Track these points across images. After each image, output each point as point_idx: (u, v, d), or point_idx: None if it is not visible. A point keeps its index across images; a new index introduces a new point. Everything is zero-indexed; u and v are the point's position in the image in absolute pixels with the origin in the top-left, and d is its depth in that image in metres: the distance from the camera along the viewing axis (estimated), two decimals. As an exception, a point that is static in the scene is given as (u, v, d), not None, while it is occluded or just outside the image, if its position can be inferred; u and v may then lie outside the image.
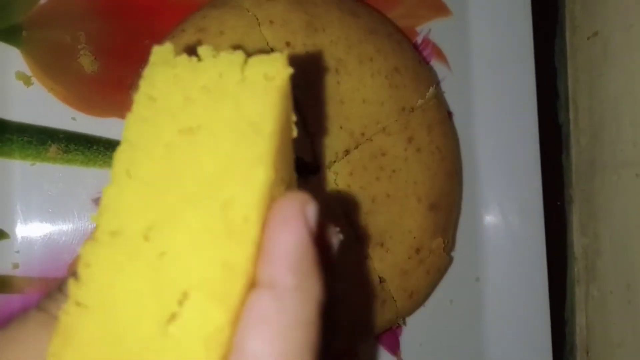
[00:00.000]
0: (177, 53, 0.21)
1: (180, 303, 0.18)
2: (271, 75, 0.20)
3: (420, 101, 0.43)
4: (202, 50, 0.20)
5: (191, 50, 0.21)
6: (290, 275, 0.18)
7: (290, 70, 0.20)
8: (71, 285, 0.18)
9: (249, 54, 0.21)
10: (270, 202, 0.20)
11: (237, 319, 0.18)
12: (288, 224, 0.19)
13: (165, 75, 0.20)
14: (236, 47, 0.21)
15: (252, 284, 0.19)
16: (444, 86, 0.50)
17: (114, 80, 0.40)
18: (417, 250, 0.42)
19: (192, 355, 0.17)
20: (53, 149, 0.38)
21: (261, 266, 0.19)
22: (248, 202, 0.18)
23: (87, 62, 0.39)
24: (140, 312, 0.18)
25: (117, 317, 0.18)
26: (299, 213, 0.19)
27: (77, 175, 0.39)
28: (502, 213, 0.50)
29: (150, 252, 0.18)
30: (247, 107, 0.20)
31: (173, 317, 0.17)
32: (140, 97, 0.20)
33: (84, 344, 0.17)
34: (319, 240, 0.20)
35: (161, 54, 0.21)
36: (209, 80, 0.20)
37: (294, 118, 0.22)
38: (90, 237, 0.18)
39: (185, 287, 0.18)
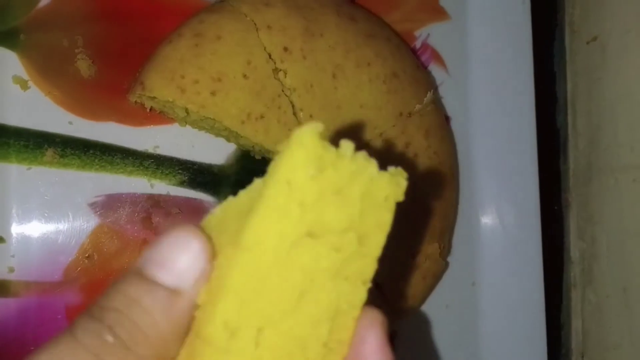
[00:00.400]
0: (323, 137, 0.20)
1: None
2: (390, 197, 0.21)
3: (418, 106, 0.43)
4: (344, 144, 0.20)
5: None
6: None
7: (403, 197, 0.21)
8: None
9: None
10: None
11: None
12: (379, 350, 0.21)
13: (308, 162, 0.19)
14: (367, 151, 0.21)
15: None
16: (443, 90, 0.50)
17: (111, 85, 0.40)
18: (413, 256, 0.42)
19: None
20: (49, 153, 0.38)
21: None
22: (345, 327, 0.21)
23: (84, 66, 0.39)
24: None
25: None
26: (384, 335, 0.21)
27: (74, 179, 0.39)
28: (499, 217, 0.50)
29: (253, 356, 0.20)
30: (365, 224, 0.21)
31: None
32: (279, 182, 0.19)
33: None
34: None
35: (309, 135, 0.20)
36: (342, 183, 0.20)
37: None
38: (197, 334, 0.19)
39: None
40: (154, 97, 0.37)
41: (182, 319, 0.19)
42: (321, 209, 0.20)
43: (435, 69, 0.50)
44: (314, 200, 0.20)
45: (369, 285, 0.21)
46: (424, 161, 0.43)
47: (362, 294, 0.21)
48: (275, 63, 0.38)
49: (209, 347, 0.19)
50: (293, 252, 0.20)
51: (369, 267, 0.21)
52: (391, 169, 0.21)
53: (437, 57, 0.50)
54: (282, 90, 0.38)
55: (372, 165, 0.21)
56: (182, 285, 0.19)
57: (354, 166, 0.20)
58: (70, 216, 0.38)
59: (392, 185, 0.21)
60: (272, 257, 0.19)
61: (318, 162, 0.19)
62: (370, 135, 0.41)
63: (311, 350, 0.20)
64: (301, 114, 0.39)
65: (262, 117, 0.38)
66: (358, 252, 0.21)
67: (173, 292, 0.19)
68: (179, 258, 0.19)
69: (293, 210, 0.19)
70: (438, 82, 0.49)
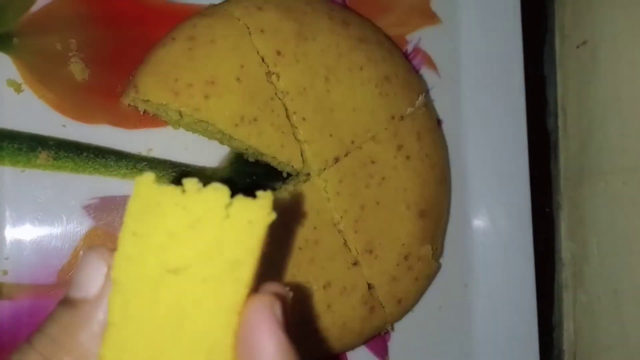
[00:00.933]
0: (160, 183, 0.21)
1: None
2: (255, 221, 0.21)
3: (409, 109, 0.44)
4: (187, 182, 0.21)
5: (176, 181, 0.22)
6: None
7: (273, 217, 0.21)
8: None
9: (234, 190, 0.21)
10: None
11: None
12: (263, 329, 0.21)
13: (149, 210, 0.21)
14: (222, 180, 0.22)
15: None
16: (434, 94, 0.50)
17: (104, 88, 0.40)
18: (406, 257, 0.43)
19: None
20: (43, 155, 0.38)
21: None
22: (225, 349, 0.21)
23: (77, 69, 0.39)
24: None
25: None
26: (270, 313, 0.21)
27: (67, 181, 0.39)
28: (491, 219, 0.51)
29: None
30: (230, 250, 0.21)
31: None
32: (125, 234, 0.21)
33: None
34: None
35: (144, 184, 0.21)
36: (193, 217, 0.21)
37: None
38: None
39: None
40: (148, 100, 0.37)
41: (93, 326, 0.22)
42: (177, 246, 0.21)
43: (426, 73, 0.50)
44: (166, 240, 0.21)
45: (237, 311, 0.21)
46: (416, 164, 0.44)
47: (234, 324, 0.21)
48: (268, 66, 0.39)
49: None
50: (159, 290, 0.21)
51: (239, 293, 0.21)
52: (258, 192, 0.22)
53: (428, 61, 0.50)
54: (275, 94, 0.39)
55: (224, 194, 0.21)
56: (87, 295, 0.22)
57: (204, 199, 0.21)
58: (64, 219, 0.39)
59: (255, 209, 0.21)
60: (139, 297, 0.21)
61: (158, 208, 0.21)
62: (363, 138, 0.42)
63: None
64: (294, 117, 0.39)
65: (255, 120, 0.38)
66: (230, 278, 0.21)
67: (81, 302, 0.22)
68: (81, 273, 0.22)
69: (146, 254, 0.21)
70: (430, 85, 0.50)
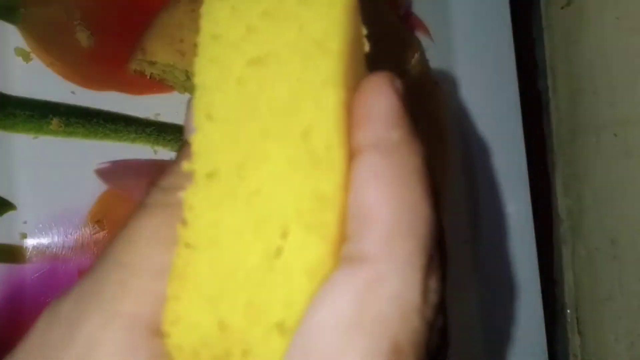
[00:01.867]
0: None
1: (283, 236, 0.18)
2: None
3: (407, 66, 0.45)
4: None
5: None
6: (394, 130, 0.19)
7: None
8: (179, 229, 0.18)
9: None
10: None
11: (336, 250, 0.18)
12: (381, 91, 0.19)
13: (223, 8, 0.19)
14: None
15: (344, 213, 0.18)
16: (428, 57, 0.51)
17: (110, 55, 0.41)
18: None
19: (296, 287, 0.18)
20: (55, 122, 0.39)
21: (360, 131, 0.18)
22: (327, 129, 0.18)
23: (83, 37, 0.40)
24: (246, 248, 0.18)
25: (225, 254, 0.18)
26: (389, 82, 0.19)
27: (79, 147, 0.40)
28: (489, 179, 0.52)
29: (245, 190, 0.18)
30: (312, 26, 0.19)
31: (277, 251, 0.18)
32: (204, 38, 0.19)
33: (198, 282, 0.18)
34: None
35: None
36: (268, 4, 0.19)
37: (364, 31, 0.21)
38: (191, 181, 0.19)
39: (284, 221, 0.18)
40: (155, 63, 0.38)
41: None
42: (256, 36, 0.19)
43: (419, 38, 0.51)
44: (245, 34, 0.19)
45: (339, 78, 0.18)
46: (417, 119, 0.45)
47: (332, 99, 0.18)
48: (270, 25, 0.40)
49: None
50: (244, 85, 0.19)
51: (333, 63, 0.18)
52: None
53: (420, 26, 0.52)
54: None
55: None
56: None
57: None
58: (78, 183, 0.39)
59: None
60: (224, 97, 0.19)
61: (231, 2, 0.19)
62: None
63: (295, 167, 0.18)
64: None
65: (260, 77, 0.39)
66: (319, 52, 0.19)
67: None
68: (191, 118, 0.20)
69: (227, 52, 0.19)
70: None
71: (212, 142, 0.19)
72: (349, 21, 0.19)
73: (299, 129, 0.18)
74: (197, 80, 0.19)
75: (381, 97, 0.19)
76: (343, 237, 0.18)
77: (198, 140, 0.19)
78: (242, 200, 0.18)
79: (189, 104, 0.21)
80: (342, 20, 0.19)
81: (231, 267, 0.18)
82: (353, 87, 0.20)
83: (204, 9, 0.20)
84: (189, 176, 0.19)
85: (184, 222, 0.18)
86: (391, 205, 0.17)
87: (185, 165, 0.19)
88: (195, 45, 0.36)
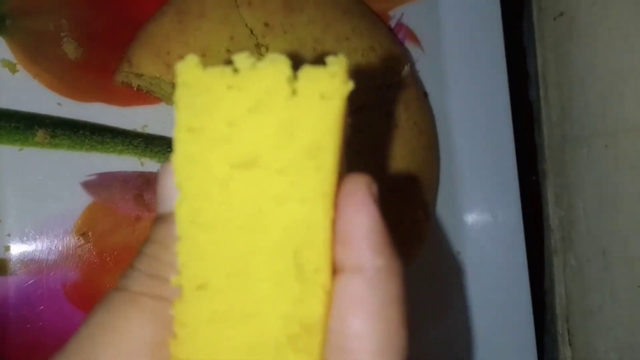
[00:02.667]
0: (205, 65, 0.18)
1: (275, 357, 0.18)
2: (328, 94, 0.18)
3: (396, 79, 0.45)
4: (238, 59, 0.18)
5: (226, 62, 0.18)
6: (377, 256, 0.19)
7: (350, 86, 0.18)
8: (171, 345, 0.18)
9: (295, 61, 0.18)
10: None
11: None
12: (362, 206, 0.19)
13: (200, 99, 0.18)
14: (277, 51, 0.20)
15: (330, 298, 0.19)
16: (418, 68, 0.51)
17: (97, 66, 0.41)
18: (399, 223, 0.44)
19: None
20: (40, 134, 0.39)
21: (344, 251, 0.19)
22: (316, 252, 0.18)
23: (70, 48, 0.40)
24: None
25: None
26: (368, 193, 0.19)
27: (65, 159, 0.40)
28: (480, 189, 0.52)
29: (237, 308, 0.18)
30: (303, 133, 0.18)
31: None
32: (180, 131, 0.18)
33: None
34: None
35: (188, 70, 0.18)
36: (253, 99, 0.18)
37: (348, 121, 0.20)
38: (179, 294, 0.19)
39: (277, 345, 0.18)
40: (141, 75, 0.38)
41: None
42: (240, 136, 0.18)
43: (410, 48, 0.51)
44: (227, 131, 0.18)
45: (330, 198, 0.18)
46: (405, 132, 0.45)
47: (323, 223, 0.18)
48: (257, 38, 0.40)
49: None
50: (229, 190, 0.18)
51: (324, 180, 0.18)
52: (328, 58, 0.18)
53: (411, 36, 0.52)
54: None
55: (284, 66, 0.18)
56: (172, 208, 0.20)
57: (261, 76, 0.17)
58: (64, 195, 0.39)
59: (326, 79, 0.18)
60: (209, 202, 0.18)
61: (210, 94, 0.18)
62: (352, 107, 0.43)
63: (284, 286, 0.18)
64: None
65: (247, 90, 0.39)
66: (310, 165, 0.18)
67: (170, 216, 0.20)
68: (162, 188, 0.21)
69: (207, 151, 0.18)
70: (414, 59, 0.51)
71: (200, 252, 0.18)
72: (341, 127, 0.18)
73: (288, 248, 0.18)
74: (177, 180, 0.18)
75: (363, 215, 0.19)
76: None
77: (184, 250, 0.18)
78: (234, 319, 0.18)
79: (163, 169, 0.20)
80: (336, 129, 0.18)
81: None
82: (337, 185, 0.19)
83: (178, 96, 0.18)
84: (172, 256, 0.19)
85: (176, 338, 0.18)
86: (373, 338, 0.19)
87: (173, 280, 0.18)
88: (181, 57, 0.36)
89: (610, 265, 0.51)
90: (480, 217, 0.52)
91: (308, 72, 0.18)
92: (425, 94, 0.50)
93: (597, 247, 0.53)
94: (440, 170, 0.50)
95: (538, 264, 0.57)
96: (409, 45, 0.51)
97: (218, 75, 0.18)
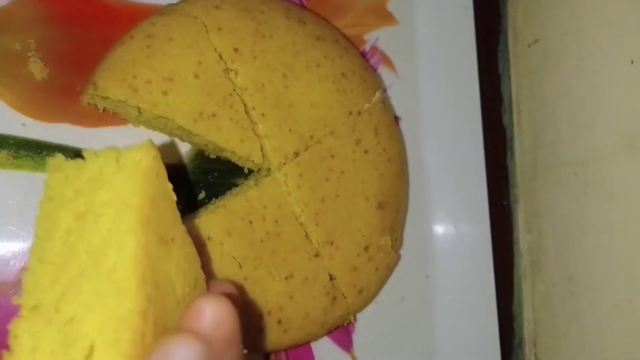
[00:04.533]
0: (68, 158, 0.25)
1: (89, 353, 0.22)
2: (138, 161, 0.24)
3: (366, 105, 0.45)
4: (85, 152, 0.25)
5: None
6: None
7: (154, 153, 0.24)
8: (5, 356, 0.22)
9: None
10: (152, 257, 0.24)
11: None
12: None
13: (59, 178, 0.25)
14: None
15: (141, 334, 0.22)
16: (392, 92, 0.52)
17: (63, 87, 0.40)
18: (366, 248, 0.44)
19: None
20: (3, 154, 0.38)
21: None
22: (127, 266, 0.22)
23: (36, 69, 0.39)
24: None
25: None
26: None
27: (28, 180, 0.39)
28: (449, 213, 0.53)
29: (60, 319, 0.22)
30: (121, 188, 0.23)
31: None
32: (43, 200, 0.25)
33: None
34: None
35: (55, 163, 0.25)
36: (92, 174, 0.24)
37: (170, 186, 0.26)
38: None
39: (90, 342, 0.22)
40: (107, 97, 0.37)
41: None
42: (80, 198, 0.24)
43: (384, 72, 0.52)
44: (73, 196, 0.24)
45: (139, 233, 0.23)
46: (374, 157, 0.45)
47: (132, 244, 0.23)
48: (226, 63, 0.40)
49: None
50: (68, 236, 0.24)
51: (131, 219, 0.23)
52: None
53: (386, 60, 0.52)
54: (234, 90, 0.40)
55: (114, 150, 0.24)
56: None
57: (100, 159, 0.24)
58: (25, 217, 0.39)
59: (135, 152, 0.24)
60: (52, 244, 0.24)
61: (66, 175, 0.25)
62: (321, 133, 0.43)
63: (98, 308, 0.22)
64: (253, 113, 0.40)
65: (214, 115, 0.39)
66: (124, 207, 0.23)
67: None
68: None
69: (58, 210, 0.24)
70: (387, 84, 0.51)
71: (38, 281, 0.23)
72: (149, 182, 0.24)
73: (106, 267, 0.22)
74: (35, 232, 0.24)
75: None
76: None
77: (27, 278, 0.23)
78: (56, 328, 0.22)
79: None
80: (142, 183, 0.23)
81: None
82: (157, 231, 0.24)
83: (46, 179, 0.25)
84: None
85: (10, 350, 0.22)
86: None
87: (14, 299, 0.23)
88: (149, 82, 0.36)
89: (576, 292, 0.52)
90: (449, 241, 0.52)
91: (127, 151, 0.24)
92: (397, 119, 0.51)
93: (564, 273, 0.53)
94: (411, 195, 0.50)
95: (507, 288, 0.58)
96: (383, 69, 0.52)
97: (74, 164, 0.25)
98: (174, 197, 0.26)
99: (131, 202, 0.23)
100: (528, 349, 0.57)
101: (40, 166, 0.39)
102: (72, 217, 0.24)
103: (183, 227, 0.27)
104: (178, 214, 0.27)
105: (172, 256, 0.26)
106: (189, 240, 0.28)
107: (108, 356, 0.22)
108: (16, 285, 0.38)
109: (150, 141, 0.25)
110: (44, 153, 0.39)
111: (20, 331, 0.23)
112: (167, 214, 0.26)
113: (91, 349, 0.22)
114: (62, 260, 0.23)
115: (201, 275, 0.28)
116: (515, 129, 0.59)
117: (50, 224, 0.24)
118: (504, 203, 0.59)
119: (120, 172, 0.24)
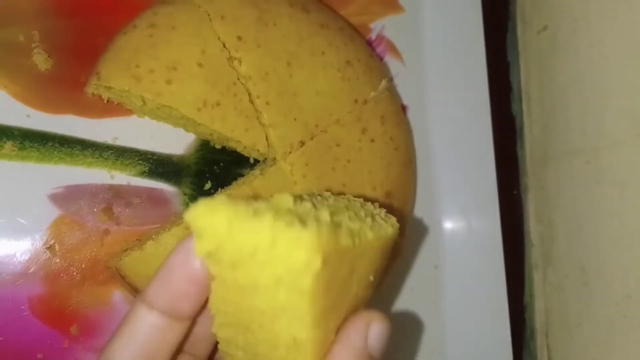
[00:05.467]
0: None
1: None
2: (304, 264, 0.20)
3: (373, 93, 0.44)
4: (238, 213, 0.21)
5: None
6: None
7: (318, 264, 0.20)
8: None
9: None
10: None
11: None
12: (349, 342, 0.23)
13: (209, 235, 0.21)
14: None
15: None
16: (399, 81, 0.51)
17: (68, 78, 0.40)
18: (373, 238, 0.43)
19: None
20: (8, 146, 0.38)
21: None
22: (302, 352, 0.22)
23: (40, 60, 0.39)
24: None
25: None
26: (360, 345, 0.23)
27: (33, 171, 0.39)
28: (458, 203, 0.52)
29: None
30: (286, 293, 0.21)
31: None
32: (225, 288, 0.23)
33: None
34: None
35: (200, 218, 0.21)
36: (244, 252, 0.21)
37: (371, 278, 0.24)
38: None
39: None
40: (110, 87, 0.37)
41: None
42: (244, 272, 0.21)
43: (390, 61, 0.51)
44: (235, 264, 0.21)
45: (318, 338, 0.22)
46: (381, 146, 0.44)
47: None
48: (229, 52, 0.39)
49: None
50: (242, 303, 0.22)
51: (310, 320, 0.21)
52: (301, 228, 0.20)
53: (392, 49, 0.51)
54: (238, 79, 0.39)
55: (267, 222, 0.20)
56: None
57: (252, 230, 0.20)
58: (31, 208, 0.39)
59: (300, 250, 0.20)
60: (230, 306, 0.23)
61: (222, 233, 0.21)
62: (327, 121, 0.42)
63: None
64: (258, 101, 0.40)
65: (218, 104, 0.38)
66: (288, 315, 0.22)
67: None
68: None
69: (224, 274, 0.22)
70: (394, 72, 0.51)
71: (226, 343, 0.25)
72: (319, 296, 0.21)
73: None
74: (213, 306, 0.24)
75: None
76: None
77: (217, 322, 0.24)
78: None
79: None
80: (311, 301, 0.21)
81: None
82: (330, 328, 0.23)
83: (197, 245, 0.22)
84: None
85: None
86: None
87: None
88: (152, 71, 0.35)
89: (588, 282, 0.51)
90: (458, 231, 0.52)
91: (284, 238, 0.20)
92: (404, 108, 0.50)
93: (576, 263, 0.52)
94: (418, 185, 0.50)
95: (518, 279, 0.57)
96: (390, 58, 0.51)
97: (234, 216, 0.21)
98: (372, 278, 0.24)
99: (303, 323, 0.21)
100: (540, 340, 0.57)
101: (45, 157, 0.39)
102: (235, 287, 0.22)
103: (368, 280, 0.25)
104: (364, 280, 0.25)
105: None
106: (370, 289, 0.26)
107: None
108: (24, 276, 0.38)
109: (316, 231, 0.20)
110: (49, 144, 0.39)
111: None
112: (346, 287, 0.23)
113: None
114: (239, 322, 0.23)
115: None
116: (525, 117, 0.59)
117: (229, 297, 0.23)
118: (514, 192, 0.58)
119: (278, 266, 0.20)
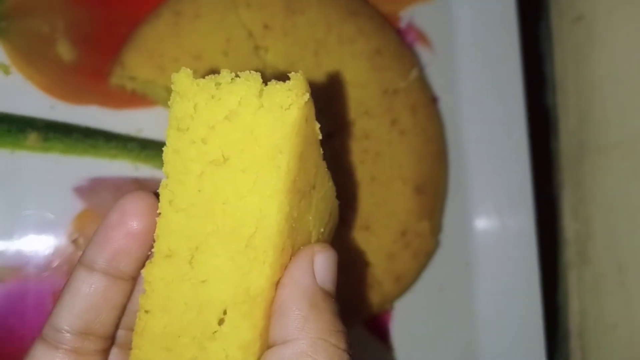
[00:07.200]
0: (196, 75, 0.22)
1: (220, 321, 0.22)
2: (288, 106, 0.21)
3: (403, 83, 0.43)
4: (220, 78, 0.22)
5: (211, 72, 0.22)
6: (301, 332, 0.21)
7: (305, 98, 0.21)
8: (140, 298, 0.22)
9: (265, 78, 0.21)
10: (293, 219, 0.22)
11: (264, 334, 0.22)
12: (298, 280, 0.22)
13: (187, 107, 0.22)
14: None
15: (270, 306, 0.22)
16: (429, 71, 0.49)
17: (92, 68, 0.40)
18: (403, 233, 0.42)
19: (232, 356, 0.22)
20: (32, 137, 0.38)
21: (274, 326, 0.22)
22: (267, 237, 0.21)
23: (65, 50, 0.39)
24: (191, 321, 0.22)
25: (174, 321, 0.22)
26: (308, 269, 0.22)
27: (57, 163, 0.39)
28: (491, 199, 0.50)
29: (194, 277, 0.22)
30: (265, 139, 0.21)
31: (217, 326, 0.22)
32: (170, 130, 0.22)
33: (152, 340, 0.22)
34: None
35: (182, 80, 0.22)
36: (228, 109, 0.21)
37: (317, 126, 0.23)
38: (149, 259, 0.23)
39: (222, 308, 0.22)
40: (134, 77, 0.37)
41: None
42: (216, 138, 0.21)
43: (420, 50, 0.49)
44: (206, 133, 0.21)
45: (284, 194, 0.21)
46: (412, 139, 0.43)
47: (275, 215, 0.21)
48: (255, 40, 0.38)
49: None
50: (203, 181, 0.21)
51: (279, 180, 0.21)
52: (291, 74, 0.21)
53: (422, 38, 0.50)
54: (264, 68, 0.38)
55: (256, 83, 0.21)
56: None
57: (237, 90, 0.21)
58: (55, 200, 0.38)
59: (286, 93, 0.21)
60: (185, 189, 0.22)
61: (196, 102, 0.21)
62: (356, 112, 0.41)
63: (236, 262, 0.22)
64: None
65: (244, 94, 0.37)
66: (269, 166, 0.21)
67: None
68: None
69: (189, 148, 0.22)
70: (424, 63, 0.49)
71: (171, 228, 0.22)
72: (298, 135, 0.21)
73: (245, 234, 0.21)
74: (164, 168, 0.22)
75: (295, 289, 0.22)
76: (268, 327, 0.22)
77: (161, 223, 0.22)
78: (190, 284, 0.22)
79: None
80: (293, 137, 0.21)
81: (179, 332, 0.22)
82: (305, 180, 0.23)
83: (172, 103, 0.22)
84: None
85: (144, 293, 0.22)
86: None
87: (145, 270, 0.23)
88: (176, 60, 0.34)
89: (626, 282, 0.49)
90: (491, 227, 0.50)
91: (272, 88, 0.21)
92: (435, 99, 0.48)
93: (613, 262, 0.50)
94: (450, 179, 0.48)
95: (552, 278, 0.55)
96: (419, 48, 0.49)
97: (204, 85, 0.21)
98: (320, 136, 0.24)
99: (277, 162, 0.21)
100: (574, 342, 0.55)
101: (69, 149, 0.39)
102: (206, 161, 0.21)
103: (324, 163, 0.25)
104: (321, 151, 0.24)
105: (312, 206, 0.24)
106: (328, 175, 0.25)
107: (239, 327, 0.21)
108: (48, 269, 0.38)
109: (300, 77, 0.21)
110: (74, 135, 0.39)
111: (153, 277, 0.22)
112: (312, 157, 0.23)
113: (223, 315, 0.22)
114: (195, 211, 0.22)
115: (335, 204, 0.27)
116: (560, 110, 0.56)
117: (181, 163, 0.22)
118: (549, 189, 0.56)
119: (263, 116, 0.21)
